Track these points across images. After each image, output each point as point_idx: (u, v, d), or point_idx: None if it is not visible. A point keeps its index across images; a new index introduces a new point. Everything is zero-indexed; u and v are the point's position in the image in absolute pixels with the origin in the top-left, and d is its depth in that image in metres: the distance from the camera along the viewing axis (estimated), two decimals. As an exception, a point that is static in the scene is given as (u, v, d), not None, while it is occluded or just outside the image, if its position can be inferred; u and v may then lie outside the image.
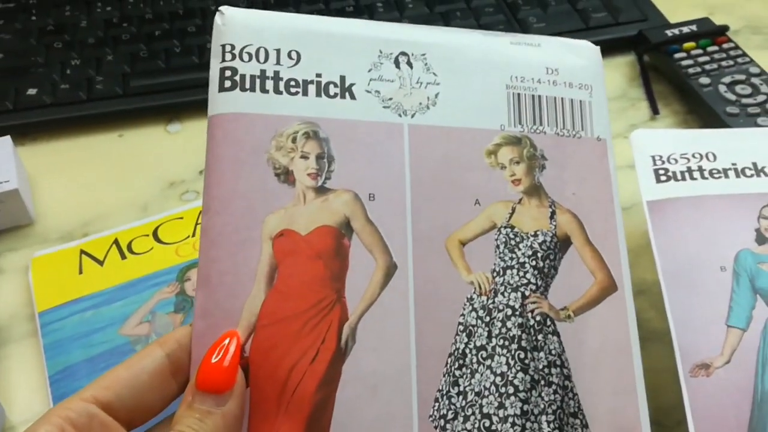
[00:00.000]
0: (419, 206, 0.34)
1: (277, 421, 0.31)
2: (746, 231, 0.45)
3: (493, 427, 0.32)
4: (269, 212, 0.33)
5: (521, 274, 0.35)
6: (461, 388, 0.33)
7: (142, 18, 0.68)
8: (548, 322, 0.34)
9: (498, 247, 0.35)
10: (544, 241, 0.35)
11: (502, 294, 0.34)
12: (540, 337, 0.34)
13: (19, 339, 0.47)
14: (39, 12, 0.68)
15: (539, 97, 0.37)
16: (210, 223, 0.32)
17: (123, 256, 0.50)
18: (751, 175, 0.49)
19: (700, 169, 0.49)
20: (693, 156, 0.51)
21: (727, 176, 0.49)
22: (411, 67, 0.36)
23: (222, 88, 0.34)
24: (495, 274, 0.35)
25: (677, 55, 0.63)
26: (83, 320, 0.46)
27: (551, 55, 0.38)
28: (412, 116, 0.35)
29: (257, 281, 0.32)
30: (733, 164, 0.50)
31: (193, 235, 0.51)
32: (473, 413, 0.32)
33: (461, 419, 0.32)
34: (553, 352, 0.33)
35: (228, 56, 0.34)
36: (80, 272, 0.49)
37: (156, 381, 0.30)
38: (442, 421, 0.32)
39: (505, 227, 0.35)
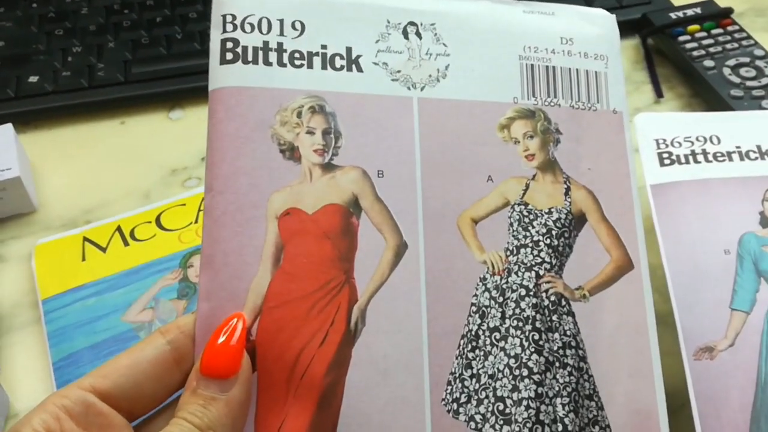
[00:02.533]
0: (430, 183, 0.33)
1: (286, 406, 0.30)
2: (750, 214, 0.45)
3: (507, 411, 0.31)
4: (274, 190, 0.32)
5: (535, 252, 0.33)
6: (474, 371, 0.32)
7: (144, 4, 0.67)
8: (563, 302, 0.33)
9: (511, 224, 0.34)
10: (559, 219, 0.34)
11: (516, 273, 0.33)
12: (554, 317, 0.32)
13: (22, 326, 0.47)
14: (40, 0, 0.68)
15: (553, 68, 0.36)
16: (213, 203, 0.31)
17: (126, 243, 0.50)
18: (756, 158, 0.48)
19: (704, 153, 0.49)
20: (697, 139, 0.50)
21: (731, 159, 0.49)
22: (420, 38, 0.35)
23: (223, 61, 0.32)
24: (508, 252, 0.33)
25: (681, 38, 0.62)
26: (86, 307, 0.46)
27: (566, 24, 0.37)
28: (422, 89, 0.34)
29: (263, 262, 0.31)
30: (738, 147, 0.49)
31: (196, 222, 0.51)
32: (486, 396, 0.31)
33: (474, 403, 0.31)
34: (568, 332, 0.32)
35: (229, 27, 0.33)
36: (83, 259, 0.49)
37: (158, 369, 0.29)
38: (455, 405, 0.31)
39: (519, 204, 0.34)
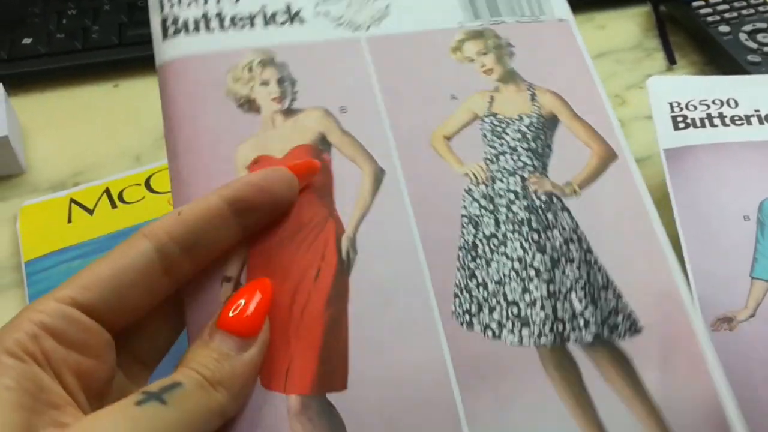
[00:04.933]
0: (394, 111, 0.31)
1: (290, 347, 0.27)
2: (771, 179, 0.41)
3: (523, 313, 0.29)
4: (239, 142, 0.30)
5: (515, 158, 0.32)
6: (480, 280, 0.30)
7: (141, -34, 0.63)
8: (554, 200, 0.31)
9: (485, 135, 0.32)
10: (531, 123, 0.32)
11: (501, 180, 0.31)
12: (549, 215, 0.31)
13: (4, 289, 0.43)
14: (37, -38, 0.64)
15: None
16: (179, 166, 0.28)
17: (114, 206, 0.46)
18: (776, 122, 0.44)
19: (721, 116, 0.45)
20: (713, 102, 0.46)
21: (749, 123, 0.45)
22: None
23: (165, 36, 0.31)
24: (488, 161, 0.31)
25: (695, 4, 0.57)
26: (70, 270, 0.43)
27: None
28: (367, 29, 0.33)
29: None
30: (756, 111, 0.45)
31: (187, 185, 0.47)
32: (498, 302, 0.29)
33: (487, 311, 0.29)
34: (567, 228, 0.30)
35: (167, 7, 0.32)
36: (69, 221, 0.45)
37: (147, 280, 0.25)
38: (467, 316, 0.29)
39: (488, 116, 0.32)
